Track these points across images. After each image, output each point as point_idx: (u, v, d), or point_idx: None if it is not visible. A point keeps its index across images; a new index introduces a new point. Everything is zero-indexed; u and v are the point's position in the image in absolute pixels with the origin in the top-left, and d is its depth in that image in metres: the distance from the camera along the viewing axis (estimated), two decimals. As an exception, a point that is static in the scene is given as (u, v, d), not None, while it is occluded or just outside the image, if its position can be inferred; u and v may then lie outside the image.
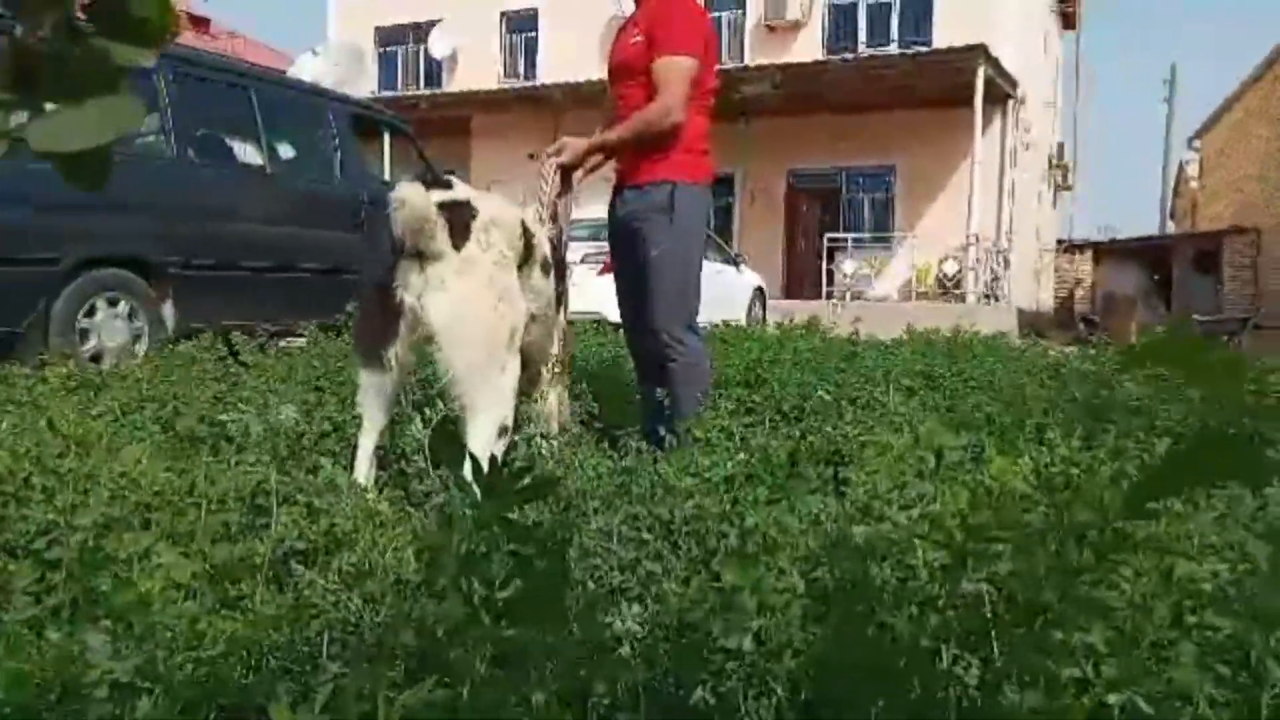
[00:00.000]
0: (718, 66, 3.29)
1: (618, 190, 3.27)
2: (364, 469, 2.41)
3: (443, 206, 2.35)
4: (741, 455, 2.36)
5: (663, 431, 2.98)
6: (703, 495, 1.96)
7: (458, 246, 2.34)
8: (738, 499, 1.84)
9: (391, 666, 1.25)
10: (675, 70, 2.98)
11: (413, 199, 2.22)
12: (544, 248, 2.77)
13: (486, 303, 2.37)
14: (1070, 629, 1.02)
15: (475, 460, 0.97)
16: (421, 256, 2.32)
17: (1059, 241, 23.58)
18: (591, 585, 1.66)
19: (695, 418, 2.81)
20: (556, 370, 3.05)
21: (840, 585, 1.23)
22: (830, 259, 17.02)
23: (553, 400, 3.04)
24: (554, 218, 3.08)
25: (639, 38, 3.10)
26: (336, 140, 7.01)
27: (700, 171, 3.16)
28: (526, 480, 0.92)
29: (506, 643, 0.91)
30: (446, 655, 0.91)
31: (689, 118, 3.04)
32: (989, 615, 1.08)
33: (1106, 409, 3.11)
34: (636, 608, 1.59)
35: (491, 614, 0.89)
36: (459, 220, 2.36)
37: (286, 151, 6.96)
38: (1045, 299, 21.67)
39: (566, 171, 3.12)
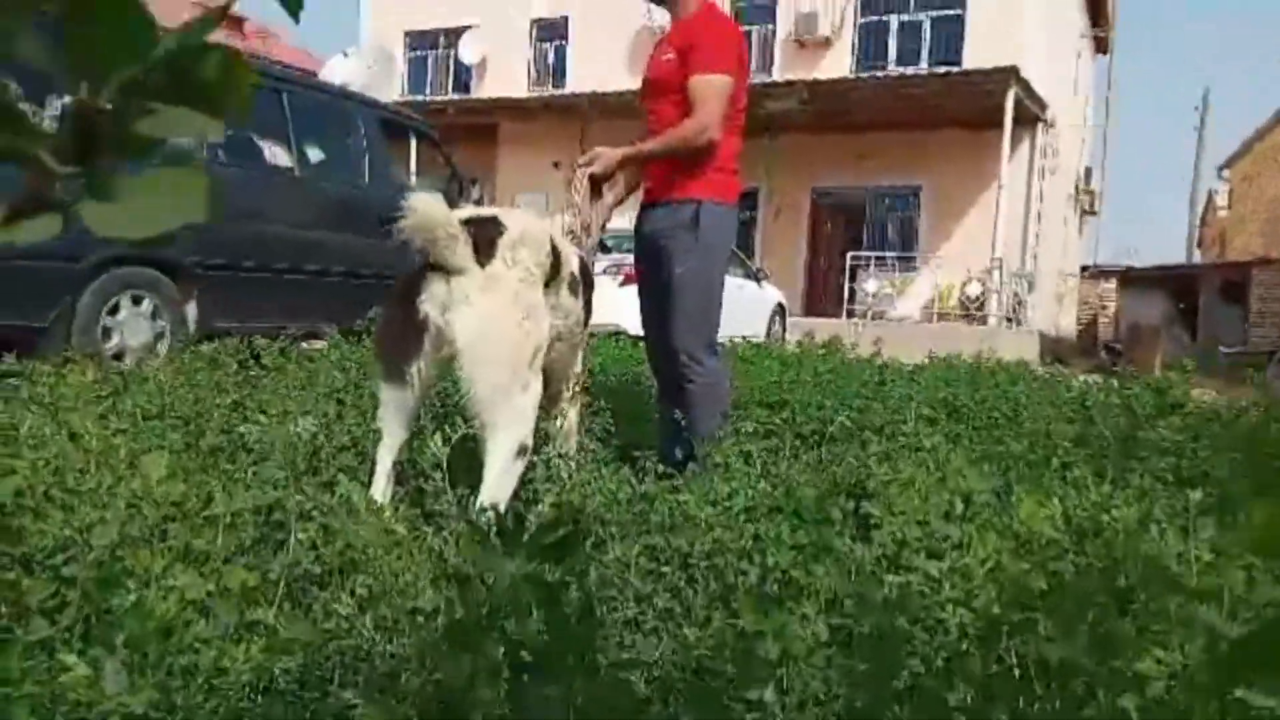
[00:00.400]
0: (748, 76, 3.27)
1: (646, 206, 3.26)
2: (382, 485, 2.40)
3: (469, 222, 2.34)
4: (762, 484, 2.34)
5: (680, 454, 2.96)
6: (722, 528, 1.94)
7: (482, 263, 2.32)
8: (759, 534, 1.81)
9: (403, 699, 1.23)
10: (712, 88, 2.96)
11: (422, 208, 2.20)
12: (573, 266, 2.75)
13: (511, 320, 2.35)
14: (1107, 696, 0.99)
15: (499, 513, 0.95)
16: (446, 271, 2.30)
17: (1083, 267, 23.40)
18: (608, 617, 1.64)
19: (714, 441, 2.78)
20: (576, 388, 3.02)
21: (867, 637, 1.20)
22: (853, 277, 16.94)
23: (572, 418, 3.01)
24: (586, 229, 3.06)
25: (671, 55, 3.08)
26: (365, 144, 7.04)
27: (729, 192, 3.14)
28: (551, 536, 0.90)
29: (528, 696, 0.89)
30: (465, 711, 0.88)
31: (722, 136, 3.02)
32: (1020, 678, 1.05)
33: (1136, 448, 3.05)
34: (652, 640, 1.57)
35: (512, 664, 0.87)
36: (485, 236, 2.35)
37: (315, 154, 6.98)
38: (1067, 324, 21.49)
39: (597, 182, 3.09)
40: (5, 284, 4.55)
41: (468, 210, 2.43)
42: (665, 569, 1.82)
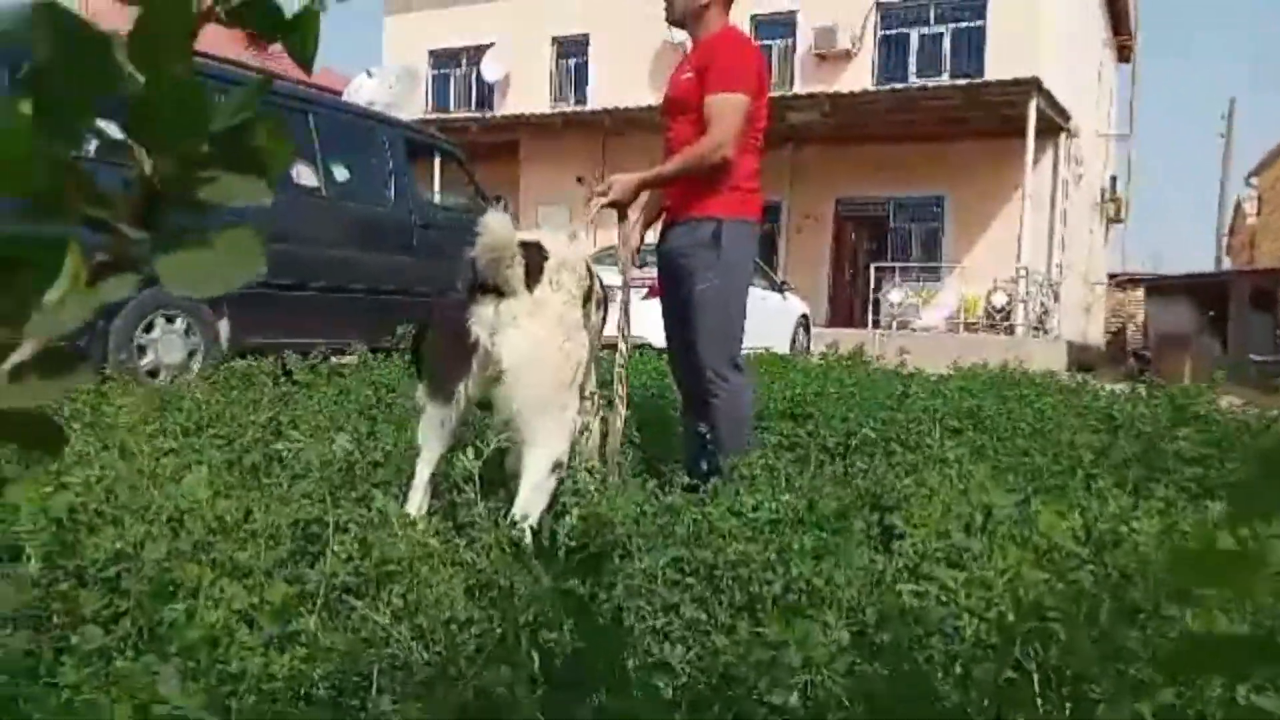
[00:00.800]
0: (767, 96, 3.30)
1: (666, 225, 3.30)
2: (418, 499, 2.46)
3: (520, 246, 2.42)
4: (787, 497, 2.37)
5: (705, 467, 2.99)
6: (747, 540, 1.97)
7: (530, 287, 2.40)
8: (783, 548, 1.84)
9: (441, 706, 1.28)
10: (728, 105, 3.00)
11: (496, 226, 2.29)
12: (599, 285, 2.84)
13: (554, 343, 2.44)
14: (1119, 704, 1.02)
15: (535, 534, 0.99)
16: (498, 293, 2.38)
17: (1110, 275, 23.21)
18: (636, 627, 1.68)
19: (739, 454, 2.81)
20: (599, 402, 3.08)
21: (888, 646, 1.24)
22: (877, 288, 16.90)
23: (596, 432, 3.06)
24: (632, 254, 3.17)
25: (690, 74, 3.13)
26: (390, 163, 7.15)
27: (749, 208, 3.17)
28: (583, 554, 0.94)
29: (561, 704, 0.93)
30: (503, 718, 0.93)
31: (738, 155, 3.06)
32: (1036, 687, 1.08)
33: (1161, 459, 3.05)
34: (680, 650, 1.60)
35: (546, 673, 0.92)
36: (531, 261, 2.43)
37: (341, 174, 7.10)
38: (1095, 333, 21.31)
39: (621, 208, 3.14)
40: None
41: (520, 234, 2.51)
42: (691, 580, 1.86)
